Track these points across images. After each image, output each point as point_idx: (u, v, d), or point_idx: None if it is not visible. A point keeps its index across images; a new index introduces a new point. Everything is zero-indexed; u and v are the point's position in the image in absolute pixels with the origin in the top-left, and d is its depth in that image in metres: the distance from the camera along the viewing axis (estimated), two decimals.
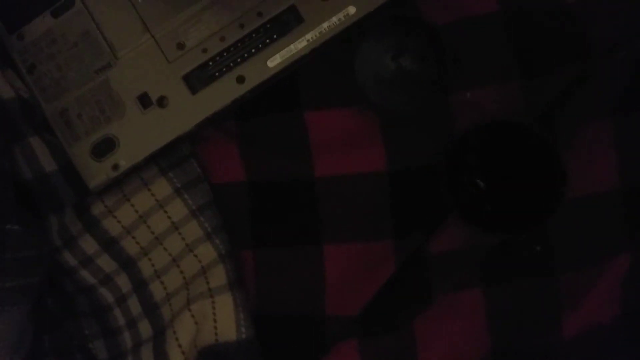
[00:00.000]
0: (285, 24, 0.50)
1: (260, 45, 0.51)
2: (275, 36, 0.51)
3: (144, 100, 0.51)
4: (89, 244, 0.53)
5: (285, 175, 0.54)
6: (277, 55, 0.51)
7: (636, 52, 0.51)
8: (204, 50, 0.51)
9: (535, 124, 0.51)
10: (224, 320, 0.52)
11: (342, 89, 0.53)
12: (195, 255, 0.53)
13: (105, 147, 0.52)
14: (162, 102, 0.51)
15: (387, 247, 0.53)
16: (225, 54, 0.51)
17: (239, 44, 0.51)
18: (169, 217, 0.53)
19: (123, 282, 0.54)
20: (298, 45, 0.51)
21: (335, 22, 0.50)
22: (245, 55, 0.51)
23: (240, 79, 0.51)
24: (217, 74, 0.51)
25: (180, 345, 0.52)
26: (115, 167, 0.52)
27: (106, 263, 0.54)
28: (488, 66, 0.52)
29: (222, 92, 0.51)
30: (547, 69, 0.52)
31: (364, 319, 0.53)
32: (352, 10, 0.50)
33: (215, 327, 0.52)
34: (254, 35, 0.51)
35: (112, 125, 0.51)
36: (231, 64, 0.51)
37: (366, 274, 0.53)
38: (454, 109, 0.53)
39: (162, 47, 0.51)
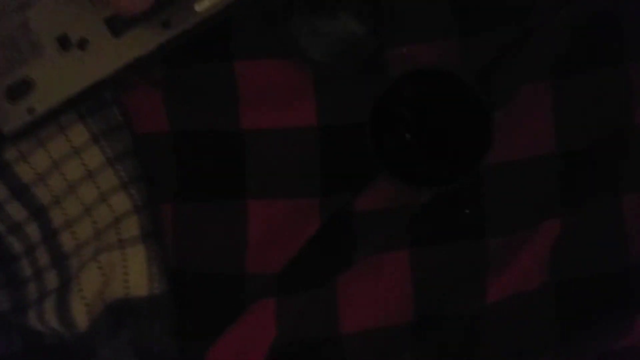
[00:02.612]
0: None
1: None
2: None
3: (64, 42, 0.49)
4: None
5: (211, 127, 0.52)
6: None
7: (577, 12, 0.50)
8: None
9: (466, 74, 0.49)
10: (135, 273, 0.50)
11: (276, 41, 0.51)
12: (109, 205, 0.50)
13: (20, 90, 0.49)
14: (82, 44, 0.49)
15: (313, 205, 0.51)
16: None
17: None
18: (84, 165, 0.50)
19: (32, 231, 0.52)
20: None
21: None
22: None
23: (167, 24, 0.48)
24: (141, 17, 0.48)
25: (83, 297, 0.50)
26: (31, 110, 0.49)
27: (16, 210, 0.51)
28: (426, 22, 0.51)
29: (147, 37, 0.49)
30: (487, 27, 0.50)
31: (283, 277, 0.52)
32: None
33: (126, 280, 0.50)
34: None
35: (28, 66, 0.49)
36: (156, 8, 0.48)
37: (290, 231, 0.52)
38: (389, 64, 0.51)
39: None
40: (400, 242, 0.52)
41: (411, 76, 0.48)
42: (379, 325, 0.52)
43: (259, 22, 0.51)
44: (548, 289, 0.52)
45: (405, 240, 0.52)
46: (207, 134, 0.52)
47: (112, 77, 0.49)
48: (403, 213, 0.51)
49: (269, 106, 0.52)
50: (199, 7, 0.48)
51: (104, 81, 0.49)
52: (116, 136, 0.51)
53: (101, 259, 0.50)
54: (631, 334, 0.52)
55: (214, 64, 0.51)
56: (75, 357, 0.52)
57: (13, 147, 0.51)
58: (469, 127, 0.49)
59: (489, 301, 0.52)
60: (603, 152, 0.52)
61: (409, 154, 0.51)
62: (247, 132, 0.52)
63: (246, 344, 0.52)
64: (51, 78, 0.49)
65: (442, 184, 0.49)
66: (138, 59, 0.49)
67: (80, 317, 0.50)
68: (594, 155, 0.52)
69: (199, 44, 0.51)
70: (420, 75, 0.48)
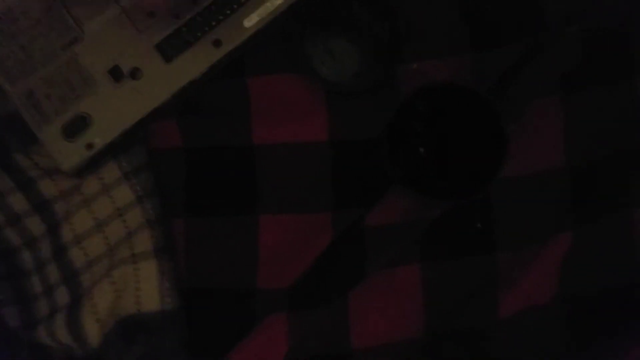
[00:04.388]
0: None
1: (234, 6, 0.48)
2: None
3: (116, 74, 0.48)
4: (19, 202, 0.51)
5: (223, 142, 0.51)
6: (254, 14, 0.48)
7: (588, 27, 0.50)
8: (176, 16, 0.48)
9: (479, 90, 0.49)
10: (147, 288, 0.50)
11: (287, 57, 0.51)
12: (124, 220, 0.50)
13: (77, 126, 0.48)
14: (135, 74, 0.48)
15: (325, 220, 0.51)
16: (198, 17, 0.48)
17: (213, 6, 0.48)
18: (100, 179, 0.50)
19: (45, 247, 0.51)
20: (275, 2, 0.48)
21: None
22: (220, 17, 0.48)
23: (217, 43, 0.48)
24: (191, 39, 0.48)
25: (96, 313, 0.49)
26: (90, 146, 0.48)
27: (35, 225, 0.51)
28: (438, 39, 0.51)
29: (198, 58, 0.48)
30: (498, 44, 0.51)
31: (295, 292, 0.51)
32: None
33: (138, 296, 0.50)
34: None
35: (83, 102, 0.48)
36: (206, 28, 0.48)
37: (301, 246, 0.51)
38: (400, 80, 0.51)
39: (131, 17, 0.48)
40: (411, 256, 0.51)
41: (426, 91, 0.48)
42: (390, 340, 0.51)
43: (272, 40, 0.50)
44: (559, 303, 0.51)
45: (417, 254, 0.51)
46: (219, 149, 0.52)
47: (168, 103, 0.48)
48: (414, 227, 0.51)
49: (280, 121, 0.51)
50: (248, 23, 0.48)
51: (160, 108, 0.48)
52: (132, 150, 0.51)
53: (114, 274, 0.50)
54: None
55: (227, 80, 0.51)
56: None
57: (36, 165, 0.50)
58: (482, 142, 0.49)
59: (501, 316, 0.51)
60: (612, 166, 0.51)
61: (422, 168, 0.50)
62: (258, 147, 0.51)
63: (258, 359, 0.51)
64: (107, 111, 0.48)
65: (457, 197, 0.49)
66: (192, 82, 0.48)
67: (93, 332, 0.49)
68: (604, 169, 0.51)
69: None
70: (434, 91, 0.48)
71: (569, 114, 0.51)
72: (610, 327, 0.51)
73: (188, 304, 0.51)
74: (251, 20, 0.48)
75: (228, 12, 0.48)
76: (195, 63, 0.48)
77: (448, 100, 0.49)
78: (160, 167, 0.52)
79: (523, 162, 0.50)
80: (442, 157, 0.51)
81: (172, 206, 0.52)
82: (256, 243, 0.51)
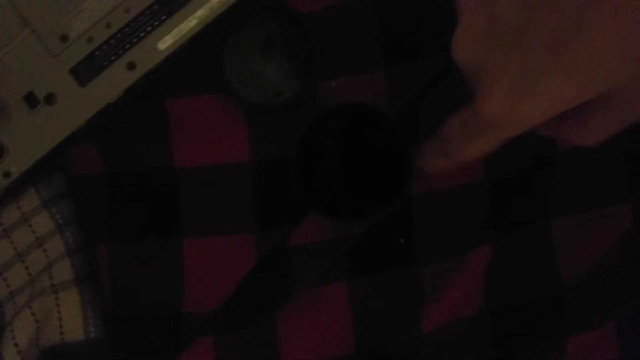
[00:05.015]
0: (173, 3, 0.48)
1: (148, 29, 0.48)
2: (163, 17, 0.48)
3: (31, 100, 0.48)
4: None
5: (144, 166, 0.51)
6: (168, 37, 0.48)
7: None
8: (90, 40, 0.48)
9: (394, 106, 0.49)
10: (70, 318, 0.49)
11: (207, 77, 0.50)
12: (45, 250, 0.50)
13: None
14: (50, 99, 0.48)
15: (249, 241, 0.51)
16: (112, 41, 0.48)
17: (126, 29, 0.48)
18: (19, 208, 0.50)
19: None
20: (189, 24, 0.48)
21: None
22: (134, 40, 0.48)
23: (131, 66, 0.48)
24: (105, 63, 0.48)
25: (16, 344, 0.49)
26: (6, 174, 0.48)
27: None
28: (354, 56, 0.50)
29: (113, 82, 0.48)
30: (411, 59, 0.50)
31: (221, 314, 0.51)
32: None
33: (61, 326, 0.49)
34: (141, 18, 0.48)
35: None
36: (120, 51, 0.48)
37: (227, 268, 0.50)
38: (319, 99, 0.51)
39: (45, 41, 0.48)
40: (337, 274, 0.51)
41: (336, 111, 0.47)
42: (320, 358, 0.51)
43: (190, 61, 0.50)
44: (483, 315, 0.51)
45: (343, 271, 0.51)
46: (141, 173, 0.51)
47: (84, 127, 0.48)
48: (339, 245, 0.50)
49: (201, 143, 0.51)
50: (162, 45, 0.48)
51: (76, 133, 0.48)
52: (50, 178, 0.50)
53: (34, 305, 0.49)
54: (565, 356, 0.51)
55: (145, 102, 0.50)
56: None
57: None
58: (390, 161, 0.48)
59: (425, 329, 0.51)
60: (531, 178, 0.51)
61: (336, 188, 0.50)
62: (180, 169, 0.50)
63: None
64: (23, 139, 0.48)
65: (364, 217, 0.48)
66: (107, 105, 0.48)
67: None
68: (522, 181, 0.51)
69: None
70: (345, 110, 0.47)
71: None
72: (535, 337, 0.51)
73: (114, 332, 0.50)
74: (165, 43, 0.48)
75: (142, 35, 0.48)
76: (110, 87, 0.48)
77: (359, 119, 0.49)
78: (81, 193, 0.51)
79: (443, 176, 0.50)
80: (351, 178, 0.51)
81: (94, 233, 0.51)
82: (181, 267, 0.51)
